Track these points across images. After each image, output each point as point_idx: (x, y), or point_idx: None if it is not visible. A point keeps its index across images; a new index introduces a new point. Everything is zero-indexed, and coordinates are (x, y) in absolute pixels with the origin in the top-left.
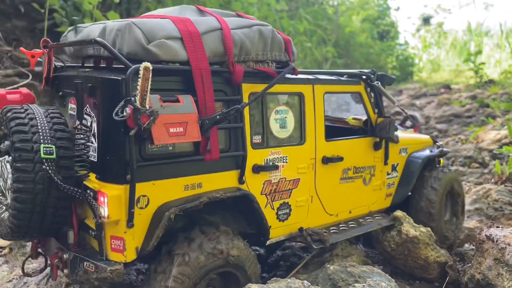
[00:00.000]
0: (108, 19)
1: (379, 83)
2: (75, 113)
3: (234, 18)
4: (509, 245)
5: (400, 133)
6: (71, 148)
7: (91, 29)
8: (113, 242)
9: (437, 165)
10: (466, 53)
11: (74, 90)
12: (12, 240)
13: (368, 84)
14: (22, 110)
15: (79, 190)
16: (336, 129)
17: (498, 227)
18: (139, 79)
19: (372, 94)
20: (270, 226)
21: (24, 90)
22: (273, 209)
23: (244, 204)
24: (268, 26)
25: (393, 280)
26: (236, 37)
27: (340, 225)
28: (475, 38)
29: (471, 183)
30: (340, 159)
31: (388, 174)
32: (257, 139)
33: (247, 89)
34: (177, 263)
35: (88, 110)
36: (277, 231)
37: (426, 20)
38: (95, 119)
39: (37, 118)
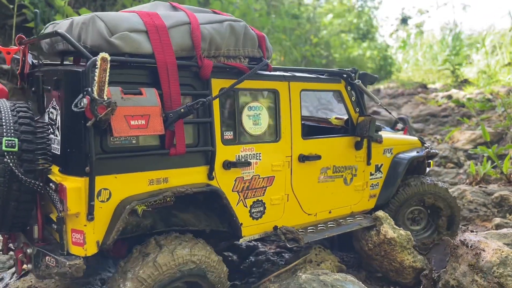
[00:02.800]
0: (80, 14)
1: (360, 81)
2: (45, 107)
3: (206, 14)
4: (483, 250)
5: (386, 134)
6: (34, 141)
7: (61, 24)
8: (73, 235)
9: (427, 167)
10: (446, 55)
11: (43, 84)
12: None
13: (349, 82)
14: None
15: (40, 183)
16: (320, 129)
17: (473, 231)
18: (96, 70)
19: (353, 93)
20: (242, 224)
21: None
22: (246, 206)
23: (214, 201)
24: (241, 22)
25: None
26: (206, 31)
27: (319, 226)
28: (453, 39)
29: (446, 183)
30: (318, 157)
31: (371, 174)
32: (229, 135)
33: (218, 84)
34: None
35: (54, 104)
36: (251, 229)
37: (404, 21)
38: (59, 112)
39: (2, 112)
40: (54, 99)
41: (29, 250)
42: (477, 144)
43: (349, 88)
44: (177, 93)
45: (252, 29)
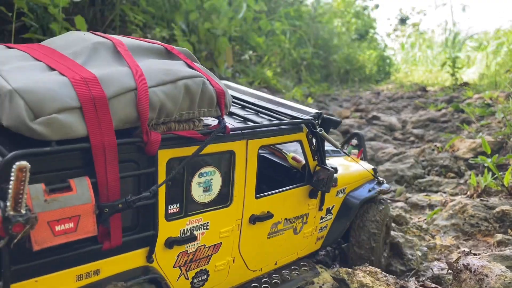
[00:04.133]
0: (74, 23)
1: (322, 129)
2: None
3: (157, 68)
4: (486, 276)
5: (339, 166)
6: None
7: None
8: None
9: (379, 200)
10: (446, 57)
11: None
12: None
13: (311, 130)
14: None
15: None
16: (274, 168)
17: (475, 254)
18: (11, 181)
19: (314, 141)
20: None
21: None
22: (188, 278)
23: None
24: (197, 78)
25: None
26: (155, 98)
27: (263, 279)
28: (452, 40)
29: (447, 193)
30: (270, 216)
31: (321, 218)
32: (174, 208)
33: (165, 155)
34: None
35: None
36: None
37: (402, 21)
38: None
39: None
40: None
41: None
42: (478, 153)
43: (310, 136)
44: (115, 181)
45: (212, 84)
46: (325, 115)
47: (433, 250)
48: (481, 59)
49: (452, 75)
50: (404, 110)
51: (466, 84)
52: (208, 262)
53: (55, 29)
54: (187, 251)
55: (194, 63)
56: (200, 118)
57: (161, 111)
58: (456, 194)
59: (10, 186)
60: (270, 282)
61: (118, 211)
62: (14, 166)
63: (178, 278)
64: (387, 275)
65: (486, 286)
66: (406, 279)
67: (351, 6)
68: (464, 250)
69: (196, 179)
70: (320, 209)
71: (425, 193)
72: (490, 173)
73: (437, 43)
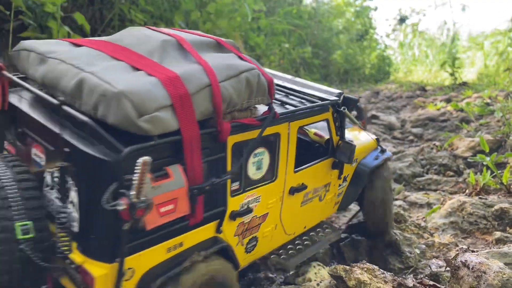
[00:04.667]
0: (75, 19)
1: (345, 108)
2: (41, 163)
3: (220, 63)
4: (484, 273)
5: (351, 137)
6: (43, 218)
7: (60, 70)
8: None
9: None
10: (445, 57)
11: (43, 139)
12: None
13: (336, 110)
14: None
15: (59, 267)
16: (299, 145)
17: (473, 251)
18: (136, 173)
19: (338, 119)
20: (240, 265)
21: None
22: (243, 245)
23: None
24: (254, 70)
25: None
26: (225, 92)
27: (296, 242)
28: (451, 40)
29: (446, 192)
30: (305, 187)
31: (339, 186)
32: (235, 186)
33: (231, 141)
34: None
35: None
36: (245, 261)
37: (402, 21)
38: (74, 187)
39: (7, 185)
40: (62, 166)
41: None
42: (477, 152)
43: (335, 115)
44: (200, 167)
45: (263, 75)
46: (345, 95)
47: (431, 248)
48: (480, 59)
49: (452, 74)
50: (403, 109)
51: (465, 83)
52: (258, 230)
53: (53, 27)
54: (244, 221)
55: (243, 54)
56: (255, 106)
57: (230, 103)
58: (455, 193)
59: (135, 178)
60: (302, 243)
61: (205, 192)
62: (139, 160)
63: (236, 245)
64: (385, 272)
65: (484, 283)
66: (404, 276)
67: (351, 6)
68: (462, 247)
69: (251, 159)
70: (339, 177)
71: (423, 192)
72: (489, 171)
73: (437, 42)
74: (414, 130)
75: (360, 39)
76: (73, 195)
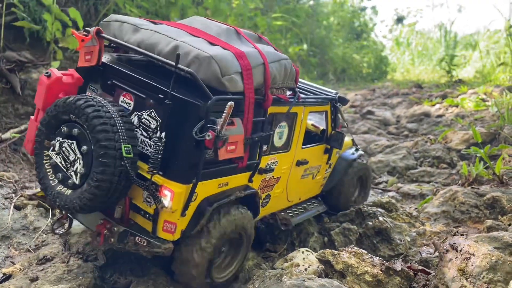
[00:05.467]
0: (69, 15)
1: (340, 104)
2: (129, 108)
3: (267, 51)
4: (473, 255)
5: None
6: (136, 145)
7: (156, 38)
8: (165, 225)
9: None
10: (443, 54)
11: (133, 88)
12: (80, 213)
13: (333, 104)
14: (98, 106)
15: (151, 185)
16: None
17: (462, 235)
18: (224, 113)
19: (334, 112)
20: (259, 213)
21: (75, 73)
22: (260, 198)
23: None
24: (288, 60)
25: None
26: (272, 71)
27: (292, 208)
28: (448, 39)
29: (439, 184)
30: (307, 162)
31: (326, 170)
32: (265, 147)
33: (269, 110)
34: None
35: (153, 114)
36: (260, 214)
37: (399, 20)
38: (160, 124)
39: (114, 118)
40: (153, 109)
41: (115, 228)
42: (471, 144)
43: (332, 109)
44: (251, 123)
45: (293, 65)
46: (340, 95)
47: (422, 236)
48: (476, 58)
49: (448, 72)
50: (398, 105)
51: (460, 81)
52: (272, 189)
53: (48, 19)
54: (265, 178)
55: (276, 48)
56: (286, 87)
57: (273, 80)
58: (448, 184)
59: (222, 116)
60: (298, 210)
61: (255, 142)
62: (228, 104)
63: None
64: (373, 256)
65: (472, 265)
66: (392, 261)
67: (347, 2)
68: (451, 230)
69: (277, 129)
70: (327, 163)
71: (417, 184)
72: (482, 162)
73: (434, 42)
74: (409, 125)
75: (357, 38)
76: (159, 132)
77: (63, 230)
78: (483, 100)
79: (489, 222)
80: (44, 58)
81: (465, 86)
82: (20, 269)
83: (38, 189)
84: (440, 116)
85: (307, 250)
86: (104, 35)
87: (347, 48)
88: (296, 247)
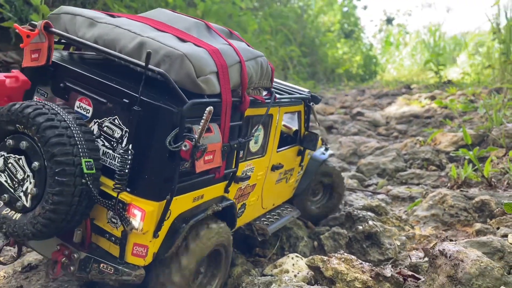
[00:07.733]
0: None
1: (313, 104)
2: (87, 114)
3: (242, 47)
4: (462, 261)
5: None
6: (99, 159)
7: (116, 33)
8: (135, 248)
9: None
10: (430, 55)
11: (91, 91)
12: (33, 240)
13: (306, 104)
14: (51, 114)
15: (117, 204)
16: None
17: (452, 239)
18: (203, 119)
19: (307, 112)
20: (235, 225)
21: (20, 74)
22: (236, 209)
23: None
24: (263, 57)
25: None
26: (249, 70)
27: (267, 215)
28: (436, 40)
29: (428, 186)
30: (282, 166)
31: (298, 172)
32: (241, 153)
33: (245, 113)
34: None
35: (117, 122)
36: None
37: (388, 21)
38: (126, 134)
39: (71, 127)
40: (116, 116)
41: (75, 255)
42: (459, 146)
43: (305, 108)
44: (228, 128)
45: (268, 63)
46: (312, 93)
47: (412, 240)
48: (464, 59)
49: (436, 73)
50: (388, 106)
51: (449, 81)
52: (247, 198)
53: (35, 20)
54: (241, 187)
55: (249, 44)
56: (262, 87)
57: (250, 80)
58: (437, 187)
59: (200, 123)
60: (272, 217)
61: (232, 149)
62: (207, 109)
63: None
64: (363, 262)
65: (461, 271)
66: (382, 266)
67: (336, 2)
68: (441, 234)
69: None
70: (300, 165)
71: (406, 186)
72: (471, 165)
73: (422, 42)
74: (399, 127)
75: (346, 38)
76: (125, 143)
77: (11, 259)
78: (471, 101)
79: (478, 225)
80: None
81: (454, 87)
82: (4, 276)
83: None
84: (429, 117)
85: (296, 256)
86: (54, 29)
87: (336, 48)
88: (286, 252)
